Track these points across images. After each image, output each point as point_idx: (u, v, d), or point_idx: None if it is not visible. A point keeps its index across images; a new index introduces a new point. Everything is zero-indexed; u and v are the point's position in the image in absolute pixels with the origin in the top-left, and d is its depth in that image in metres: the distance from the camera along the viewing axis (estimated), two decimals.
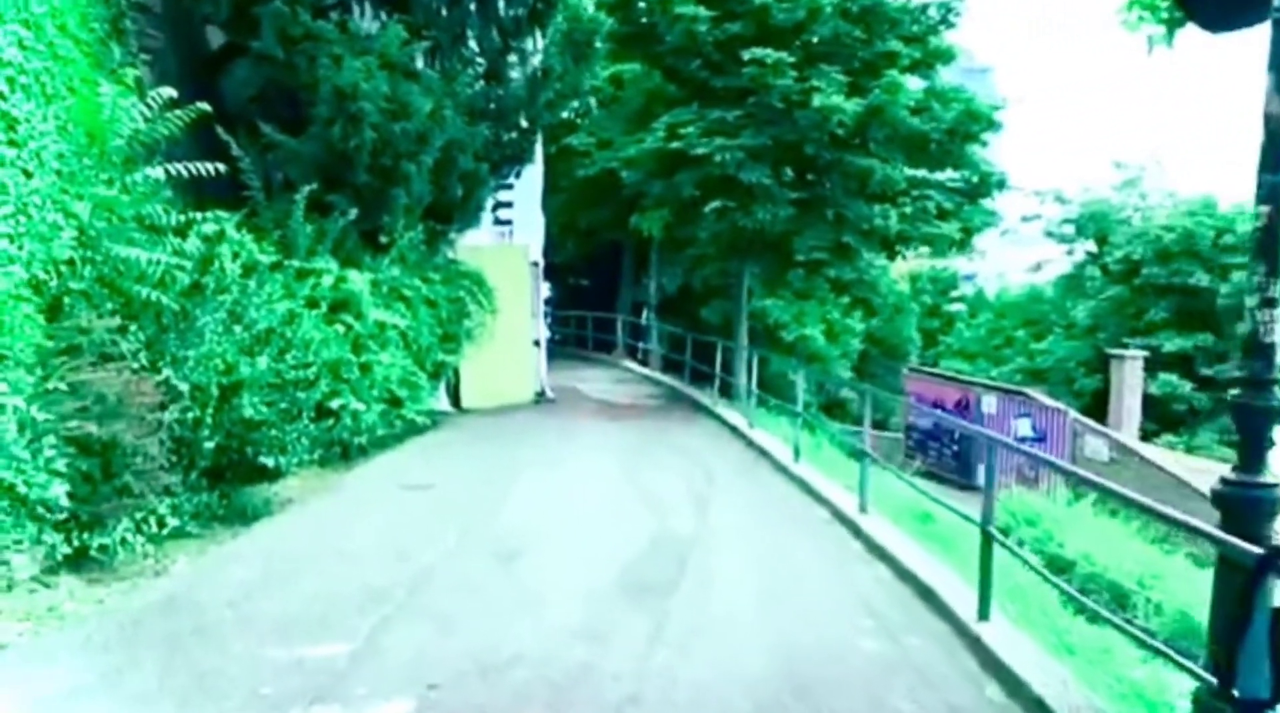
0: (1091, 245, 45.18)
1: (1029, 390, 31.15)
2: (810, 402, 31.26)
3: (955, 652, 6.08)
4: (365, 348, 11.98)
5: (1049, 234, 44.38)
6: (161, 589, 6.76)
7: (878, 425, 37.57)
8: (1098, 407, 34.03)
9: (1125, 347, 35.02)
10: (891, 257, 17.33)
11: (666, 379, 20.94)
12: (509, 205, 17.48)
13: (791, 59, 15.35)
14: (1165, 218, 39.63)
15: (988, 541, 6.31)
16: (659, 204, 18.62)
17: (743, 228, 16.25)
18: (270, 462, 9.28)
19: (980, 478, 25.78)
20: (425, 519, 8.92)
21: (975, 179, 16.96)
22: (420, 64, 13.07)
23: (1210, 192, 39.17)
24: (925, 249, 17.53)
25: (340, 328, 11.56)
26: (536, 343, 17.75)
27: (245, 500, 9.06)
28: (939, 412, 33.24)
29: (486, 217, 16.98)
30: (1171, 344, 35.75)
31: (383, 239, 12.73)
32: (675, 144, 16.95)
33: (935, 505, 9.06)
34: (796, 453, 11.57)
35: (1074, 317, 42.25)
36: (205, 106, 8.73)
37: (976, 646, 6.04)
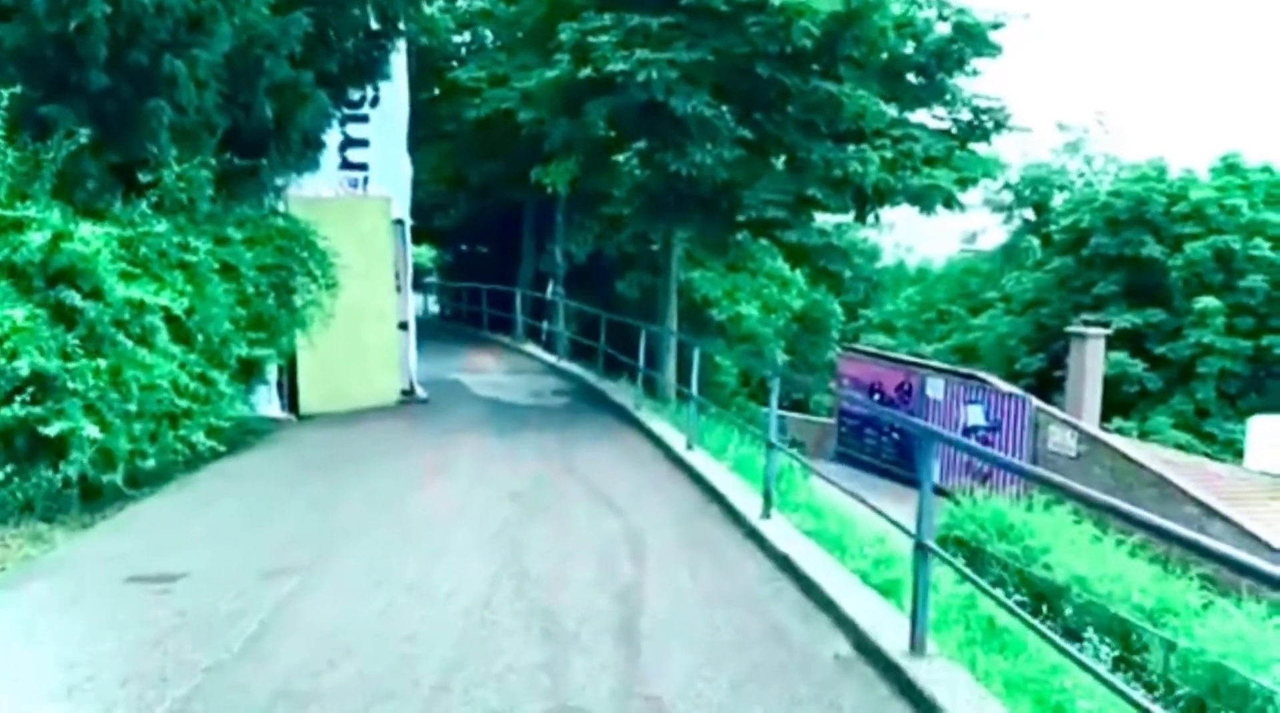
0: (1029, 213, 42.40)
1: (982, 374, 27.92)
2: (736, 389, 27.59)
3: None
4: (108, 341, 7.81)
5: (985, 202, 41.33)
6: None
7: (797, 407, 34.14)
8: (1042, 389, 31.18)
9: (1075, 323, 32.14)
10: (862, 216, 13.60)
11: (575, 369, 16.91)
12: (362, 144, 13.21)
13: None
14: (1112, 183, 36.76)
15: (922, 554, 5.05)
16: (565, 151, 14.56)
17: (674, 176, 12.29)
18: None
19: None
20: (127, 662, 4.79)
21: (970, 117, 13.22)
22: None
23: (1158, 156, 36.51)
24: (904, 207, 13.77)
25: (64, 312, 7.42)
26: (403, 326, 13.57)
27: None
28: (864, 399, 29.95)
29: (330, 158, 12.73)
30: (1122, 319, 33.05)
31: (143, 177, 8.44)
32: (585, 71, 12.90)
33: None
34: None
35: (1012, 290, 39.31)
36: None
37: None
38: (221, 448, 8.85)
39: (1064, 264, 36.07)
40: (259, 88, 9.05)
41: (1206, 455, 30.31)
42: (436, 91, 20.81)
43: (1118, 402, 32.12)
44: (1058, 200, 40.72)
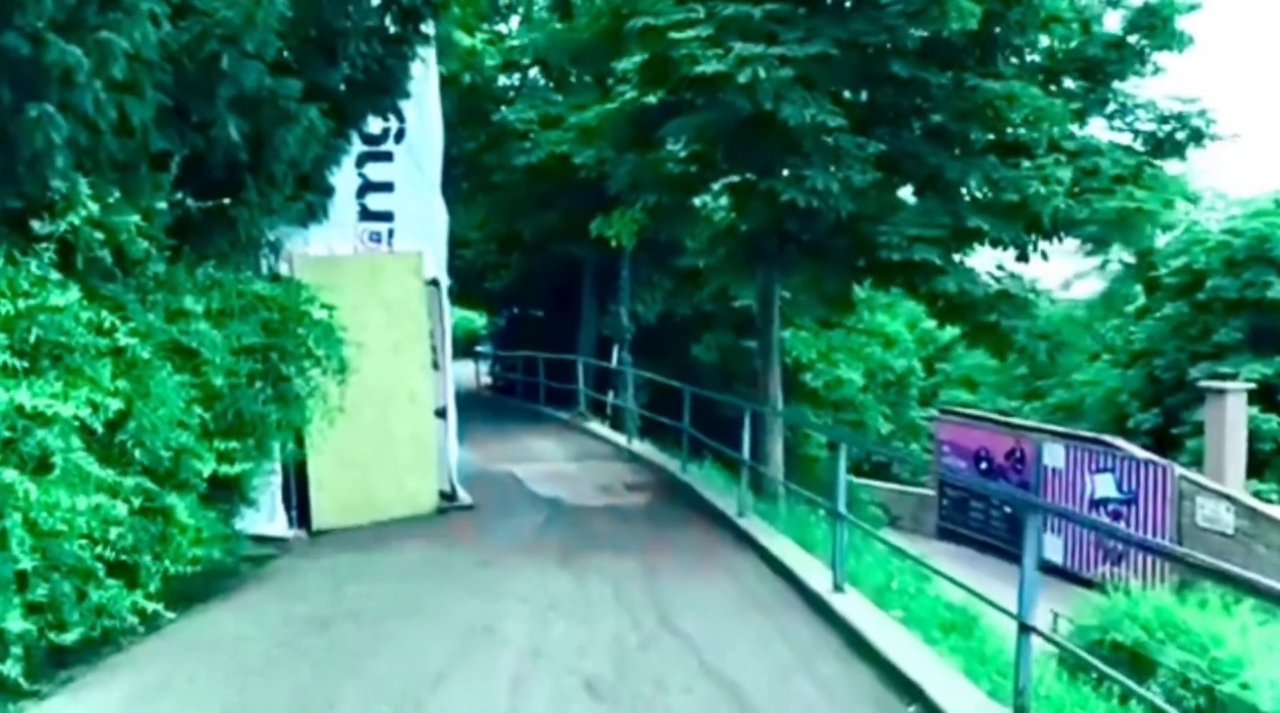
0: (1128, 256, 38.82)
1: (1110, 437, 24.55)
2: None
3: None
4: None
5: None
6: None
7: (878, 473, 30.57)
8: (1160, 449, 27.63)
9: (1198, 375, 28.60)
10: (1024, 255, 10.62)
11: (649, 453, 14.03)
12: (385, 188, 10.56)
13: None
14: (1224, 220, 33.28)
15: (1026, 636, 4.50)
16: (633, 192, 11.84)
17: (780, 213, 9.49)
18: None
19: (1046, 550, 19.14)
20: None
21: (1154, 126, 10.26)
22: None
23: (1275, 189, 32.94)
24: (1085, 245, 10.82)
25: None
26: (441, 413, 10.82)
27: None
28: (964, 471, 26.61)
29: (345, 207, 10.13)
30: (1248, 370, 29.45)
31: (38, 227, 5.79)
32: (658, 94, 10.25)
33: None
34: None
35: (1114, 340, 35.65)
36: None
37: None
38: (234, 570, 6.12)
39: (1177, 310, 32.52)
40: (218, 98, 6.40)
41: None
42: (483, 138, 18.29)
43: (1252, 461, 28.44)
44: (1161, 241, 37.19)
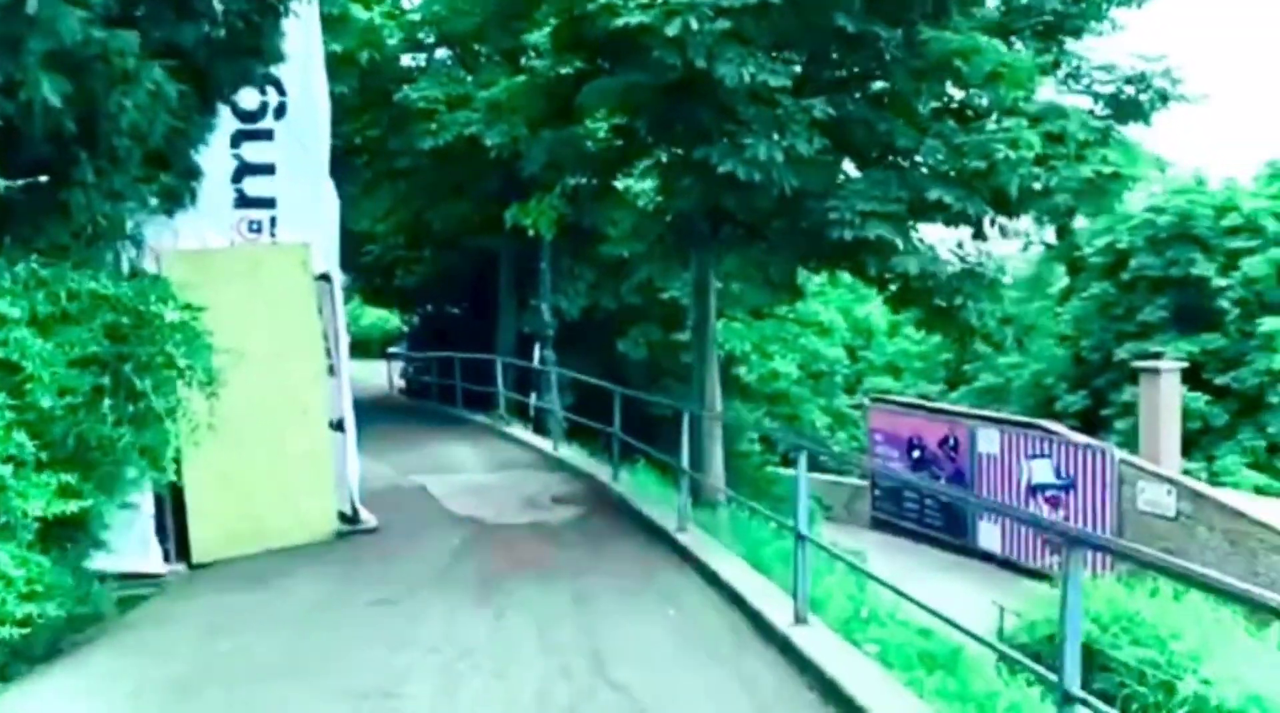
0: (1050, 237, 38.52)
1: (1046, 422, 24.07)
2: (762, 455, 23.32)
3: None
4: None
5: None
6: None
7: (815, 464, 29.59)
8: (1088, 430, 27.38)
9: (1123, 354, 28.45)
10: (981, 231, 9.72)
11: (577, 459, 12.91)
12: (265, 171, 9.27)
13: None
14: (1149, 198, 33.25)
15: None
16: (552, 171, 10.73)
17: (718, 187, 8.43)
18: None
19: (982, 538, 18.37)
20: None
21: (1115, 89, 9.43)
22: None
23: (1195, 167, 32.94)
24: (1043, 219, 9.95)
25: None
26: (337, 425, 9.58)
27: None
28: (900, 460, 25.98)
29: (219, 192, 8.82)
30: (1175, 348, 29.33)
31: None
32: (574, 64, 9.13)
33: None
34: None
35: (1041, 322, 35.40)
36: None
37: None
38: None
39: (1103, 290, 32.39)
40: (27, 52, 5.13)
41: None
42: (385, 121, 16.95)
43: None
44: (1081, 222, 37.11)
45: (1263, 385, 28.56)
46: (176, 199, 8.00)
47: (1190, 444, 29.16)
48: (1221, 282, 29.87)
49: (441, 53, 19.38)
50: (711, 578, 7.26)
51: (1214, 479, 26.66)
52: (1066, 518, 21.43)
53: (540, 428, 15.89)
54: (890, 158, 9.41)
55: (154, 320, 6.56)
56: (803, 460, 5.92)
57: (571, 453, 13.39)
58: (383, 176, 17.98)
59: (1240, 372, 29.14)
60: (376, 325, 44.78)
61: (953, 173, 8.80)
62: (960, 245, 10.37)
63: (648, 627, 6.48)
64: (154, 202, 7.96)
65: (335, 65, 14.84)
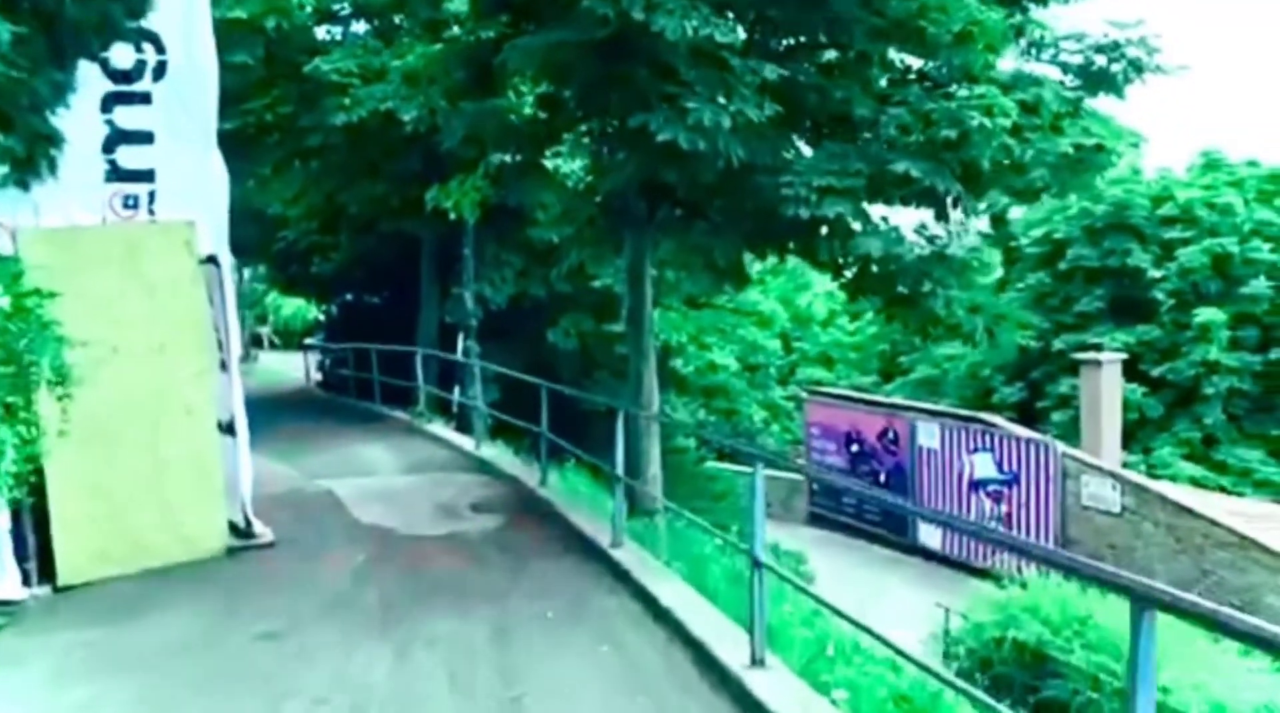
0: (983, 225, 38.22)
1: (987, 415, 23.60)
2: (697, 451, 22.41)
3: None
4: None
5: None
6: None
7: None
8: (1025, 422, 26.99)
9: (1081, 347, 28.10)
10: (943, 212, 8.90)
11: (501, 461, 11.92)
12: (143, 139, 8.12)
13: None
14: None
15: None
16: (472, 144, 9.70)
17: (659, 154, 7.47)
18: None
19: (923, 535, 17.69)
20: None
21: (1083, 59, 8.67)
22: None
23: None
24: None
25: None
26: (227, 428, 8.48)
27: None
28: (838, 454, 25.39)
29: (87, 163, 7.68)
30: (1111, 340, 29.15)
31: None
32: (493, 28, 8.13)
33: None
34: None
35: (1010, 312, 34.83)
36: None
37: None
38: None
39: (1039, 281, 32.14)
40: None
41: (1223, 489, 26.61)
42: (295, 95, 15.71)
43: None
44: (1016, 211, 36.90)
45: (1198, 377, 28.48)
46: (30, 169, 6.85)
47: (1128, 436, 28.97)
48: (1157, 273, 29.76)
49: (360, 27, 18.23)
50: (651, 604, 6.33)
51: (1151, 472, 26.47)
52: (1009, 513, 21.00)
53: (463, 425, 14.83)
54: (846, 129, 8.56)
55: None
56: (759, 475, 5.03)
57: (495, 453, 12.39)
58: (293, 156, 16.75)
59: (1176, 363, 29.03)
60: (299, 315, 43.17)
61: (916, 145, 7.96)
62: (924, 227, 9.55)
63: (578, 668, 5.54)
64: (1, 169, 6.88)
65: (238, 32, 13.67)
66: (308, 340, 27.18)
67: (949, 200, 8.66)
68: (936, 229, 9.44)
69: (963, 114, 7.58)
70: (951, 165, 8.08)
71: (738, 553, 6.14)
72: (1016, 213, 36.56)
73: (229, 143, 15.01)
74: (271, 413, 17.60)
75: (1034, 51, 9.29)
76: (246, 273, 34.15)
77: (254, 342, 41.19)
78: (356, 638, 6.12)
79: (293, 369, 25.11)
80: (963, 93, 7.94)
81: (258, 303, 44.78)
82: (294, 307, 42.37)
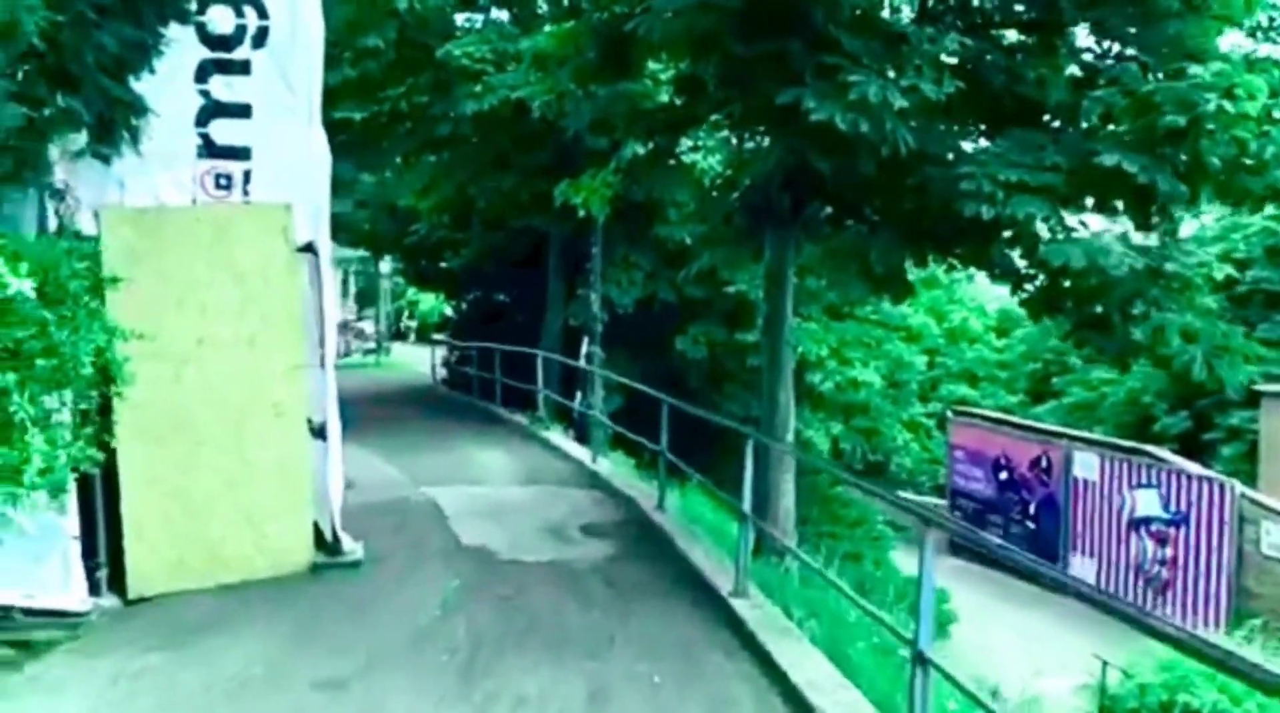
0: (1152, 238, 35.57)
1: (1153, 448, 21.59)
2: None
3: None
4: None
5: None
6: None
7: (874, 471, 27.13)
8: (1188, 456, 24.68)
9: (1268, 378, 25.66)
10: (1147, 221, 7.50)
11: (618, 478, 10.98)
12: (239, 113, 7.44)
13: None
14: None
15: None
16: (602, 130, 8.83)
17: (810, 138, 6.39)
18: None
19: (1076, 565, 15.83)
20: None
21: None
22: None
23: None
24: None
25: None
26: (318, 432, 7.74)
27: None
28: (984, 480, 23.68)
29: (179, 138, 7.06)
30: None
31: None
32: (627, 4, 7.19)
33: None
34: None
35: (1234, 342, 32.38)
36: None
37: None
38: None
39: (1215, 302, 29.54)
40: None
41: None
42: (426, 83, 15.14)
43: None
44: (1187, 228, 34.32)
45: None
46: (108, 139, 6.23)
47: None
48: None
49: (502, 15, 17.63)
50: (777, 678, 5.25)
51: None
52: (1175, 557, 19.07)
53: (582, 434, 13.99)
54: (1032, 117, 7.26)
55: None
56: (929, 545, 3.93)
57: (613, 467, 11.49)
58: (423, 146, 16.22)
59: None
60: (435, 309, 43.35)
61: (1126, 135, 6.63)
62: (1125, 237, 8.09)
63: None
64: (81, 139, 6.28)
65: (370, 12, 13.16)
66: (435, 336, 26.99)
67: (1169, 204, 7.22)
68: (1137, 238, 8.03)
69: (1195, 96, 6.18)
70: (1174, 160, 6.66)
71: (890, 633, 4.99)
72: (1189, 228, 34.23)
73: (361, 132, 14.66)
74: (394, 407, 17.19)
75: (1268, 30, 7.79)
76: (385, 266, 34.33)
77: (396, 335, 41.60)
78: (431, 692, 5.23)
79: (421, 363, 24.89)
80: (1196, 69, 6.56)
81: (400, 296, 45.31)
82: (430, 302, 42.59)
